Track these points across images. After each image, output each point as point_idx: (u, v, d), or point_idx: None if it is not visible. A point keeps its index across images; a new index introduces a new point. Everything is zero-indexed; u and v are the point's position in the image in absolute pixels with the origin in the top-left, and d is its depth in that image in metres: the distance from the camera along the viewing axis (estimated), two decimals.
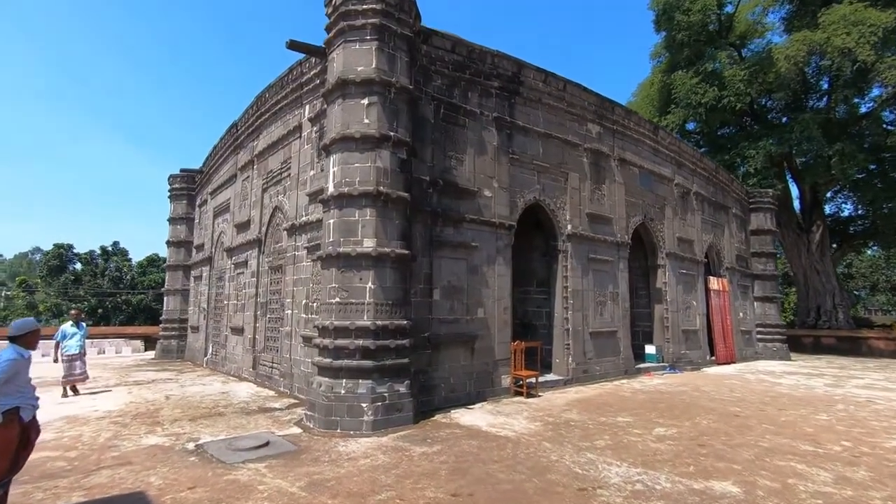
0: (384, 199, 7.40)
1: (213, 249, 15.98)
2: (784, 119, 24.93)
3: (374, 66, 7.57)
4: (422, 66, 9.04)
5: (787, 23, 23.45)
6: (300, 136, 10.63)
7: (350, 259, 7.24)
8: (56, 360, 10.02)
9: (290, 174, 10.97)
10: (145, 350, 21.27)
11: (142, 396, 9.67)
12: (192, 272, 17.95)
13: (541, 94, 11.23)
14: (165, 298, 18.82)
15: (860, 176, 24.47)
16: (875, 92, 22.93)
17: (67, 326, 10.16)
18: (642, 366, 13.49)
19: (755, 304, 19.70)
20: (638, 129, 14.05)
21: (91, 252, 36.19)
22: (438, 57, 9.31)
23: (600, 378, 11.86)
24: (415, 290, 8.43)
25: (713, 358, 16.26)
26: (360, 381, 6.99)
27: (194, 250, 18.10)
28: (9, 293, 36.03)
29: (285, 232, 10.89)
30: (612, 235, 12.75)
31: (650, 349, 14.19)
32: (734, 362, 17.01)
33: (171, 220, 18.79)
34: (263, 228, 12.20)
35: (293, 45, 8.78)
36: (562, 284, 11.47)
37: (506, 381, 9.73)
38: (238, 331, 12.98)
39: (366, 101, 7.55)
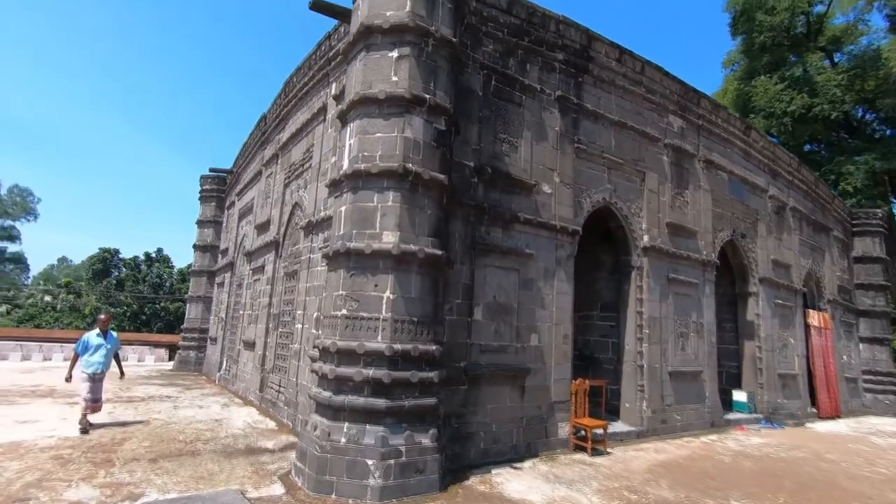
0: (413, 181, 5.53)
1: (236, 254, 14.66)
2: (888, 132, 21.58)
3: (407, 8, 5.80)
4: (470, 25, 7.24)
5: (892, 21, 20.33)
6: (324, 119, 9.03)
7: (363, 258, 5.37)
8: (69, 379, 7.52)
9: (311, 164, 9.37)
10: (169, 359, 20.22)
11: (119, 419, 8.09)
12: (216, 278, 16.75)
13: (614, 74, 9.18)
14: (188, 306, 17.71)
15: None
16: None
17: (92, 336, 7.46)
18: (731, 416, 10.81)
19: (861, 345, 16.38)
20: (727, 128, 11.67)
21: (136, 258, 36.50)
22: (491, 17, 7.49)
23: (682, 430, 9.34)
24: (450, 306, 6.45)
25: (814, 410, 13.21)
26: (368, 426, 5.02)
27: (219, 255, 16.93)
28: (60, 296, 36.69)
29: (302, 231, 9.22)
30: (697, 252, 10.35)
31: (739, 396, 11.47)
32: (839, 416, 13.84)
33: (199, 223, 17.79)
34: (282, 229, 10.63)
35: (317, 6, 7.20)
36: (635, 309, 9.16)
37: (563, 430, 7.49)
38: (250, 345, 11.38)
39: (395, 54, 5.77)
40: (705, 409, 10.01)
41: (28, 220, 54.57)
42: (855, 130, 22.82)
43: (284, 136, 11.30)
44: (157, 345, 21.09)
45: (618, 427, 8.58)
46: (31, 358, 17.68)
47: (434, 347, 5.46)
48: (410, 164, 5.51)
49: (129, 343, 20.45)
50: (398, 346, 5.16)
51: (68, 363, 7.62)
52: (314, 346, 5.85)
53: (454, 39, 6.09)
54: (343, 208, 5.71)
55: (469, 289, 6.74)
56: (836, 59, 22.73)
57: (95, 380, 7.32)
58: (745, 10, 21.82)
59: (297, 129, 10.31)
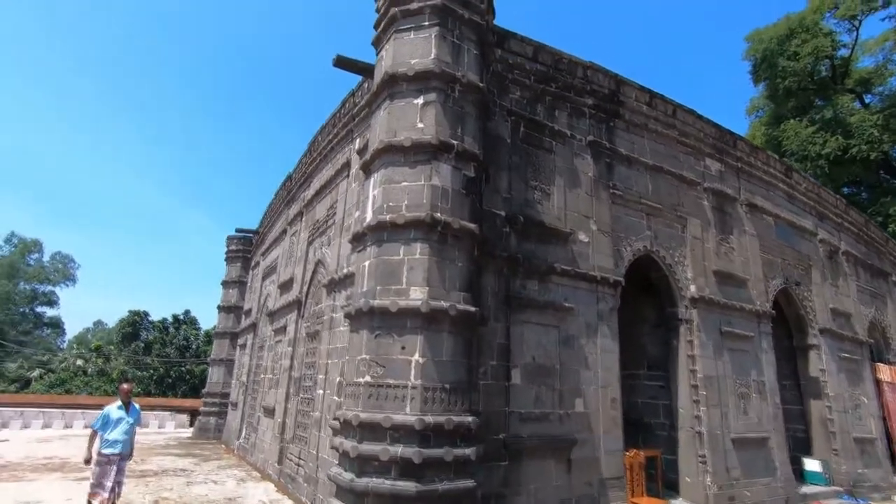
0: (441, 231, 5.09)
1: (258, 314, 14.33)
2: None
3: (433, 55, 5.61)
4: (496, 73, 7.06)
5: None
6: (348, 174, 8.86)
7: (389, 317, 4.85)
8: (89, 461, 6.20)
9: (334, 220, 9.11)
10: (190, 425, 19.57)
11: (127, 499, 7.44)
12: (239, 340, 16.39)
13: (646, 118, 8.84)
14: (210, 369, 17.31)
15: None
16: None
17: (113, 409, 6.32)
18: (806, 489, 9.44)
19: None
20: (767, 170, 11.09)
21: (164, 320, 36.80)
22: (517, 64, 7.32)
23: None
24: (484, 369, 5.80)
25: None
26: None
27: (243, 316, 16.67)
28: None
29: (324, 289, 8.82)
30: (750, 302, 9.48)
31: (812, 465, 10.10)
32: None
33: (224, 284, 17.73)
34: (305, 287, 10.28)
35: (341, 63, 7.19)
36: (687, 367, 8.26)
37: None
38: (269, 412, 10.74)
39: (420, 101, 5.52)
40: (778, 483, 8.75)
41: (67, 286, 56.54)
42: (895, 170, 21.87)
43: (309, 193, 11.22)
44: (179, 410, 20.56)
45: None
46: (52, 425, 17.31)
47: (470, 419, 4.78)
48: (439, 214, 5.09)
49: (152, 408, 19.98)
50: (430, 419, 4.51)
51: (87, 439, 6.43)
52: (335, 417, 5.23)
53: (482, 84, 5.84)
54: (367, 263, 5.27)
55: (505, 349, 6.10)
56: (866, 101, 22.23)
57: (112, 461, 6.05)
58: (766, 58, 21.76)
59: (322, 185, 10.19)
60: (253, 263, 17.14)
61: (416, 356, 4.72)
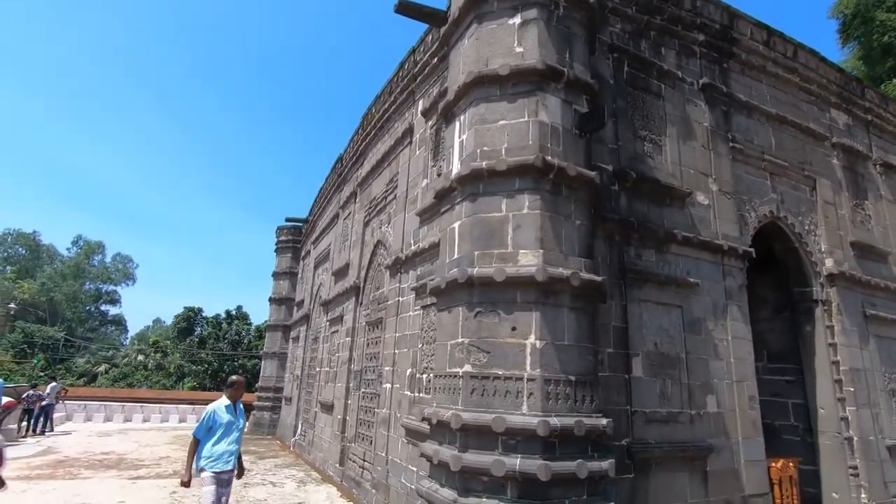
0: (554, 180, 3.95)
1: (311, 305, 13.65)
2: None
3: None
4: None
5: None
6: (410, 142, 7.85)
7: (493, 289, 3.76)
8: (188, 482, 4.51)
9: (395, 195, 8.14)
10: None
11: (177, 499, 6.74)
12: (291, 333, 15.84)
13: (763, 59, 7.35)
14: (263, 363, 16.89)
15: None
16: None
17: (220, 409, 4.64)
18: None
19: None
20: None
21: (217, 315, 37.41)
22: None
23: None
24: (600, 357, 4.62)
25: None
26: None
27: (295, 308, 16.10)
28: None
29: (387, 272, 7.87)
30: (893, 280, 7.82)
31: None
32: None
33: (275, 275, 17.25)
34: (362, 272, 9.38)
35: (403, 7, 6.14)
36: (827, 359, 6.76)
37: None
38: (328, 408, 9.94)
39: (517, 20, 4.38)
40: None
41: (127, 285, 59.13)
42: None
43: (363, 171, 10.32)
44: None
45: None
46: (113, 419, 17.39)
47: (604, 421, 3.63)
48: (550, 157, 3.94)
49: (205, 403, 19.86)
50: (555, 421, 3.39)
51: (187, 449, 4.74)
52: (424, 418, 4.21)
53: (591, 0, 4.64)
54: (456, 224, 4.19)
55: (622, 333, 4.89)
56: None
57: (222, 482, 4.49)
58: (859, 12, 19.22)
59: (378, 160, 9.25)
60: (303, 253, 16.54)
61: (532, 339, 3.61)
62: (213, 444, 4.49)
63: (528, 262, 3.73)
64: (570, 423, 3.42)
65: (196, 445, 4.53)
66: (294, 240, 17.21)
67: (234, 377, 4.93)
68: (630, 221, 5.23)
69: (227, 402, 4.72)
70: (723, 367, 5.49)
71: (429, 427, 4.06)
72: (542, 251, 3.75)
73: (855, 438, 6.46)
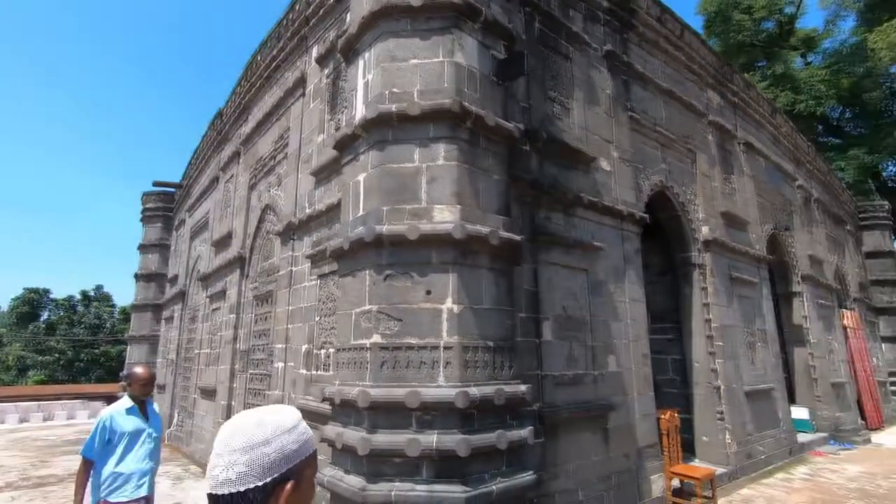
0: (472, 129, 3.57)
1: (188, 281, 12.08)
2: (858, 132, 21.31)
3: None
4: None
5: (863, 17, 20.29)
6: (303, 93, 6.98)
7: (406, 248, 3.32)
8: None
9: (286, 154, 7.25)
10: None
11: None
12: (164, 313, 13.98)
13: (657, 34, 7.64)
14: (129, 348, 14.78)
15: None
16: None
17: (120, 414, 3.36)
18: (800, 439, 9.15)
19: (884, 346, 15.40)
20: (758, 108, 10.42)
21: (70, 297, 32.28)
22: None
23: (765, 465, 7.57)
24: (513, 322, 4.44)
25: (862, 422, 11.82)
26: None
27: (168, 285, 14.20)
28: None
29: (278, 239, 7.02)
30: (751, 246, 8.82)
31: (800, 413, 9.86)
32: (883, 426, 12.54)
33: (143, 248, 15.03)
34: (248, 241, 8.36)
35: None
36: (702, 317, 7.43)
37: (658, 485, 5.52)
38: (209, 393, 8.86)
39: None
40: (782, 434, 8.32)
41: None
42: (834, 128, 22.72)
43: (247, 128, 9.12)
44: (92, 397, 17.72)
45: (696, 467, 6.68)
46: None
47: (523, 388, 3.43)
48: (468, 103, 3.55)
49: (57, 398, 17.05)
50: (475, 391, 3.09)
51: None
52: (318, 395, 3.68)
53: None
54: (361, 177, 3.65)
55: (534, 297, 4.77)
56: (808, 60, 22.72)
57: None
58: (721, 11, 21.47)
59: (265, 115, 8.18)
60: (177, 222, 14.57)
61: (449, 303, 3.25)
62: (116, 464, 3.23)
63: (445, 218, 3.34)
64: (490, 392, 3.15)
65: (87, 469, 3.25)
66: (165, 207, 15.07)
67: (136, 369, 3.49)
68: (541, 183, 5.09)
69: (131, 403, 3.40)
70: (621, 328, 5.68)
71: (330, 408, 3.56)
72: (459, 207, 3.37)
73: (722, 387, 7.20)
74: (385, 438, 3.02)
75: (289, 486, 0.91)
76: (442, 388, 3.09)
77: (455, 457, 2.94)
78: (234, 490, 0.87)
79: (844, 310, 12.86)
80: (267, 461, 0.89)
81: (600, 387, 5.20)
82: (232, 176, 9.76)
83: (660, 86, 7.43)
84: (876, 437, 10.94)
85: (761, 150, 10.11)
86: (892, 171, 21.13)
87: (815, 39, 21.87)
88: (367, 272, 3.40)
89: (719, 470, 6.63)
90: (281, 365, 6.26)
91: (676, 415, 5.89)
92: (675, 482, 5.65)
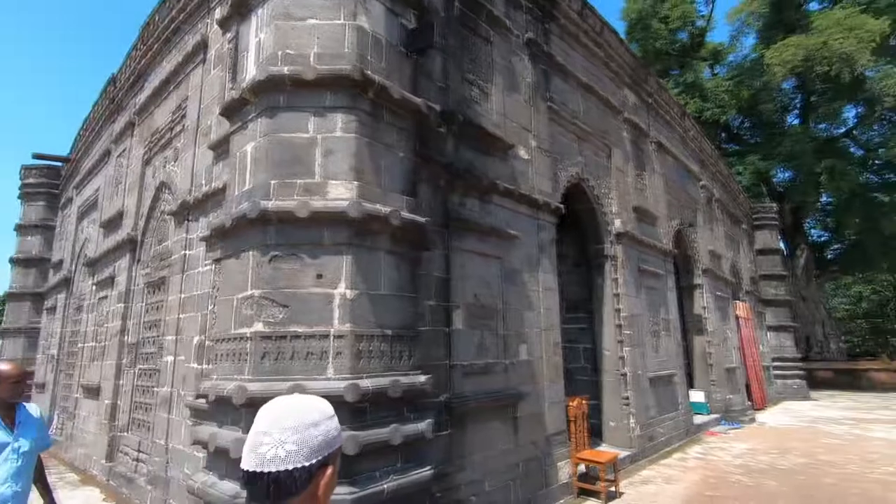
0: (375, 98, 3.29)
1: (73, 266, 10.76)
2: (755, 141, 23.47)
3: None
4: None
5: (762, 34, 22.22)
6: (204, 59, 6.32)
7: (295, 227, 2.99)
8: None
9: (184, 125, 6.55)
10: None
11: None
12: (46, 302, 12.40)
13: (578, 28, 7.75)
14: (2, 343, 12.97)
15: (828, 200, 23.39)
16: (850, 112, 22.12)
17: None
18: (696, 420, 9.84)
19: (769, 334, 17.06)
20: (668, 110, 11.00)
21: None
22: None
23: (665, 446, 8.03)
24: (421, 310, 4.25)
25: (749, 403, 13.01)
26: None
27: (51, 271, 12.60)
28: None
29: (172, 219, 6.34)
30: (658, 240, 9.29)
31: (697, 396, 10.62)
32: (766, 407, 13.90)
33: (21, 229, 13.22)
34: (141, 222, 7.52)
35: None
36: (613, 307, 7.69)
37: (564, 471, 5.61)
38: (93, 391, 7.90)
39: None
40: (680, 417, 8.88)
41: None
42: (735, 136, 24.79)
43: (143, 97, 8.17)
44: None
45: (603, 452, 6.92)
46: None
47: (423, 378, 3.23)
48: (370, 72, 3.26)
49: None
50: (367, 383, 2.85)
51: None
52: (198, 393, 3.29)
53: None
54: (250, 147, 3.26)
55: (444, 284, 4.60)
56: (715, 71, 24.56)
57: None
58: (642, 18, 22.61)
59: (163, 81, 7.35)
60: (63, 201, 12.94)
61: (342, 287, 2.97)
62: None
63: (340, 194, 3.04)
64: (385, 384, 2.92)
65: None
66: (50, 184, 13.33)
67: (0, 366, 2.72)
68: (456, 167, 4.91)
69: None
70: (534, 317, 5.68)
71: (207, 405, 3.16)
72: (357, 183, 3.09)
73: (628, 374, 7.50)
74: None
75: (329, 470, 0.94)
76: (331, 381, 2.82)
77: (342, 455, 2.68)
78: (281, 468, 0.87)
79: (738, 301, 14.05)
80: (314, 443, 0.91)
81: (511, 376, 5.15)
82: (125, 149, 8.74)
83: (579, 79, 7.54)
84: (760, 416, 12.06)
85: (671, 150, 10.68)
86: (781, 177, 23.35)
87: (722, 52, 23.70)
88: (251, 253, 3.03)
89: (624, 453, 6.92)
90: (171, 359, 5.65)
91: (584, 402, 6.02)
92: (582, 467, 5.77)
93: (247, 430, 2.62)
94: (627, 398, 7.42)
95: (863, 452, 7.78)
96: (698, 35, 24.39)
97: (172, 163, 6.85)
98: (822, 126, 21.82)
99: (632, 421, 7.34)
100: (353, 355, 2.90)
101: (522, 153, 6.03)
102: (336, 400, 2.75)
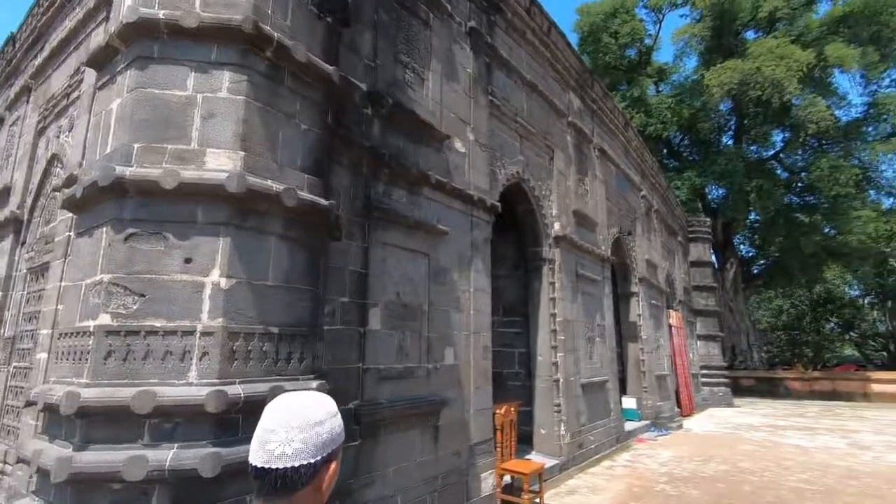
0: (275, 60, 2.84)
1: None
2: (692, 158, 24.62)
3: None
4: None
5: (703, 57, 23.33)
6: (107, 17, 5.53)
7: (159, 200, 2.48)
8: None
9: (81, 91, 5.75)
10: None
11: None
12: None
13: (525, 25, 7.56)
14: None
15: (755, 218, 24.87)
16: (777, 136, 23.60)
17: None
18: (626, 426, 9.90)
19: (698, 342, 17.73)
20: (612, 118, 11.10)
21: None
22: None
23: (594, 453, 7.95)
24: (331, 308, 3.81)
25: (678, 409, 13.37)
26: None
27: None
28: None
29: (60, 197, 5.53)
30: (597, 246, 9.27)
31: (629, 403, 10.72)
32: (693, 413, 14.36)
33: None
34: (29, 199, 6.60)
35: None
36: (548, 311, 7.52)
37: (488, 482, 5.30)
38: None
39: None
40: (611, 423, 8.85)
41: None
42: (675, 152, 25.85)
43: (41, 58, 7.22)
44: None
45: (532, 459, 6.71)
46: None
47: (315, 384, 2.78)
48: (269, 28, 2.80)
49: None
50: (238, 390, 2.39)
51: None
52: (28, 401, 2.70)
53: None
54: (115, 104, 2.72)
55: (362, 279, 4.17)
56: (660, 89, 25.54)
57: None
58: (593, 32, 23.14)
59: (62, 40, 6.49)
60: None
61: (216, 275, 2.49)
62: None
63: (220, 165, 2.57)
64: (263, 391, 2.46)
65: None
66: None
67: None
68: (382, 153, 4.51)
69: None
70: (463, 319, 5.36)
71: (41, 417, 2.58)
72: (243, 154, 2.63)
73: (561, 380, 7.35)
74: (96, 457, 2.17)
75: (333, 466, 0.98)
76: (191, 387, 2.33)
77: (200, 480, 2.21)
78: (288, 465, 0.91)
79: (671, 310, 14.45)
80: (319, 441, 0.94)
81: (434, 381, 4.79)
82: (19, 117, 7.71)
83: (524, 77, 7.35)
84: (687, 423, 12.39)
85: (613, 158, 10.77)
86: (715, 194, 24.53)
87: (667, 71, 24.67)
88: (103, 230, 2.50)
89: (552, 462, 6.73)
90: (44, 356, 4.87)
91: (513, 409, 5.76)
92: (507, 478, 5.50)
93: (81, 445, 2.09)
94: (559, 405, 7.25)
95: (778, 459, 8.02)
96: (646, 53, 25.28)
97: (67, 133, 6.02)
98: (753, 147, 23.12)
99: (562, 428, 7.18)
100: (223, 356, 2.42)
101: (459, 146, 5.71)
102: (195, 410, 2.27)
